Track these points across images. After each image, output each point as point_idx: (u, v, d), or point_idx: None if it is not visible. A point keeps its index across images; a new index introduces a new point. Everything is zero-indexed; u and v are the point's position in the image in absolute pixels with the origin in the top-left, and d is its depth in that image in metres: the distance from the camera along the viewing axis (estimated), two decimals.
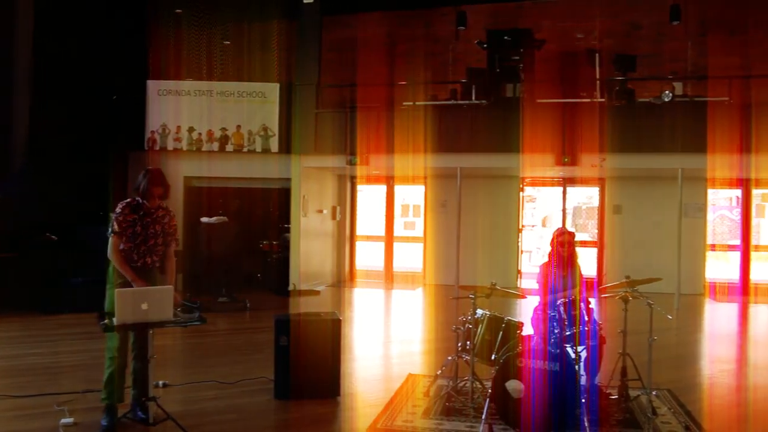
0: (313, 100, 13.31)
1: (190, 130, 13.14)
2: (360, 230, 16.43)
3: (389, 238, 15.93)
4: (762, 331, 11.15)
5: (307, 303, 11.84)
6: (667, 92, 12.40)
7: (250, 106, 13.25)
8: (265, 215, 14.41)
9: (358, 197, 16.34)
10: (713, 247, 16.04)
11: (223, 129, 13.15)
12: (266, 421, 5.47)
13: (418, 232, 16.78)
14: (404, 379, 6.65)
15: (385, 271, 15.80)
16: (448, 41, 14.79)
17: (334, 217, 15.30)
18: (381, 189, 16.10)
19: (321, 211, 14.39)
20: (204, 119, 13.21)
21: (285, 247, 13.33)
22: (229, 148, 13.18)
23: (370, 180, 15.70)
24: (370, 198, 17.77)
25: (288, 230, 13.36)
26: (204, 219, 12.05)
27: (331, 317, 6.11)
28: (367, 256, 16.69)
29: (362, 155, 12.86)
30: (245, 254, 13.07)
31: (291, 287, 12.99)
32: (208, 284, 11.72)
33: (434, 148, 12.69)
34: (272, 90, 13.27)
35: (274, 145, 13.16)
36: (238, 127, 13.17)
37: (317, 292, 13.22)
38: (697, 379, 7.27)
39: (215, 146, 13.16)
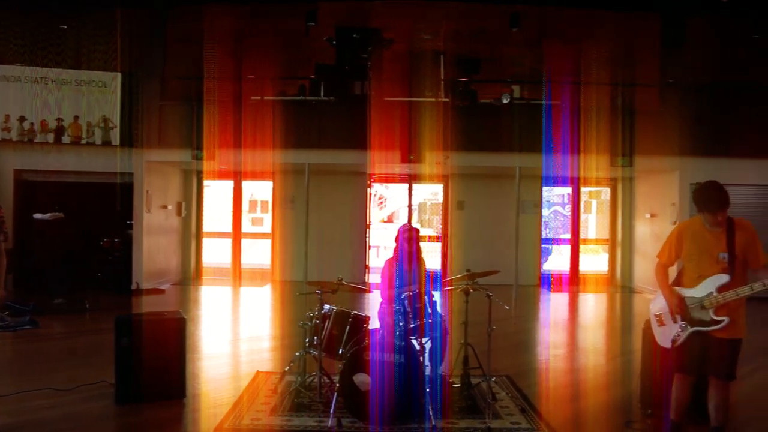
0: (158, 91, 12.85)
1: (21, 119, 12.23)
2: (207, 227, 16.05)
3: (237, 235, 15.68)
4: (589, 318, 12.05)
5: (151, 302, 11.40)
6: (506, 95, 13.06)
7: (89, 95, 12.52)
8: (106, 211, 13.69)
9: (204, 193, 15.94)
10: (555, 241, 17.08)
11: (59, 119, 12.36)
12: (106, 428, 5.24)
13: (267, 228, 16.62)
14: (252, 376, 6.59)
15: (233, 268, 15.53)
16: (298, 37, 14.75)
17: (179, 213, 14.84)
18: (228, 184, 15.80)
19: (166, 207, 13.91)
20: (37, 108, 12.34)
21: (127, 245, 12.77)
22: (66, 140, 12.40)
23: (217, 175, 15.34)
24: (217, 194, 17.40)
25: (131, 227, 12.80)
26: (37, 215, 11.29)
27: (175, 316, 5.93)
28: (215, 253, 16.33)
29: (209, 150, 12.56)
30: (84, 252, 12.39)
31: (134, 286, 12.47)
32: (43, 284, 11.02)
33: (282, 143, 12.62)
34: (113, 80, 12.63)
35: (115, 137, 12.52)
36: (76, 117, 12.42)
37: (162, 291, 12.78)
38: (533, 365, 7.73)
39: (50, 137, 12.34)
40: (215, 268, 15.88)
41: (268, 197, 16.28)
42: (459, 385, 5.94)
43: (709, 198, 4.51)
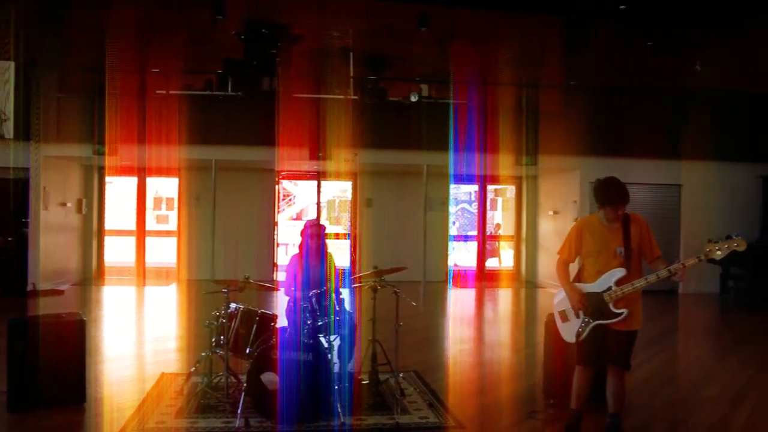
0: (56, 83, 12.32)
1: None
2: (109, 224, 15.51)
3: (141, 233, 15.21)
4: (495, 313, 12.36)
5: (49, 304, 10.88)
6: (414, 93, 13.21)
7: None
8: None
9: (106, 189, 15.39)
10: (460, 238, 17.38)
11: None
12: None
13: (172, 226, 16.23)
14: (157, 378, 6.42)
15: (137, 267, 15.05)
16: (205, 30, 14.45)
17: (79, 211, 14.27)
18: (132, 181, 15.31)
19: (65, 204, 13.34)
20: None
21: (22, 244, 12.18)
22: None
23: (120, 171, 14.83)
24: (120, 190, 16.84)
25: (26, 225, 12.22)
26: None
27: (74, 318, 5.71)
28: (118, 251, 15.81)
29: (111, 145, 12.14)
30: None
31: (30, 287, 11.91)
32: None
33: (188, 139, 12.36)
34: (7, 69, 11.98)
35: (8, 130, 11.88)
36: None
37: (61, 292, 12.26)
38: (441, 360, 7.86)
39: None
40: (118, 267, 15.38)
41: (174, 194, 15.88)
42: (367, 381, 5.98)
43: (609, 193, 4.70)
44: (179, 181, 14.89)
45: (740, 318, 11.36)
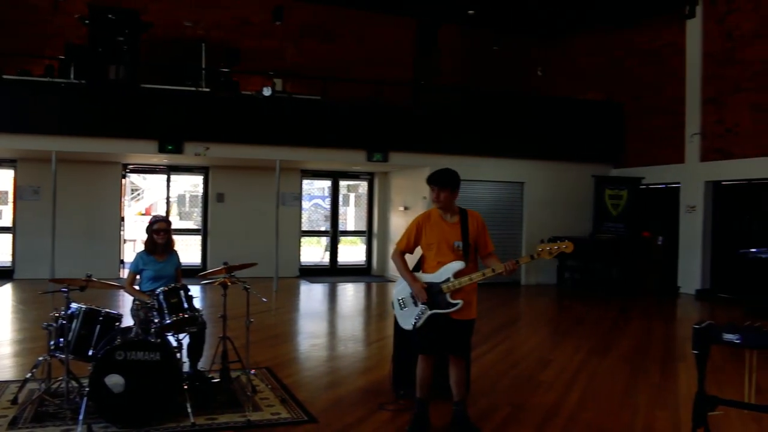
0: None
1: None
2: None
3: None
4: (346, 307, 12.53)
5: None
6: (268, 87, 13.12)
7: None
8: None
9: None
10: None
11: None
12: None
13: (6, 221, 15.15)
14: None
15: None
16: (45, 12, 13.61)
17: None
18: None
19: None
20: None
21: None
22: None
23: None
24: None
25: None
26: None
27: None
28: None
29: None
30: None
31: None
32: None
33: (26, 129, 11.61)
34: None
35: None
36: None
37: None
38: (293, 355, 7.88)
39: None
40: None
41: (8, 187, 14.81)
42: (218, 379, 5.88)
43: (439, 175, 4.97)
44: (14, 173, 13.91)
45: (574, 306, 12.19)
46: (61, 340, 5.24)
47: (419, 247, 5.13)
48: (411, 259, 5.17)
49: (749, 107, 12.61)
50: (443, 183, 4.96)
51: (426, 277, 4.99)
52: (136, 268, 6.10)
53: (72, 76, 12.13)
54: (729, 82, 13.03)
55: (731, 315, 10.77)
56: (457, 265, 4.90)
